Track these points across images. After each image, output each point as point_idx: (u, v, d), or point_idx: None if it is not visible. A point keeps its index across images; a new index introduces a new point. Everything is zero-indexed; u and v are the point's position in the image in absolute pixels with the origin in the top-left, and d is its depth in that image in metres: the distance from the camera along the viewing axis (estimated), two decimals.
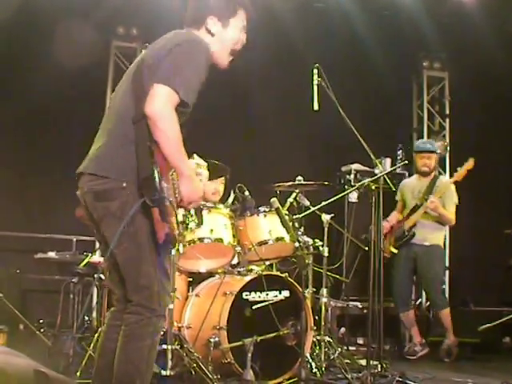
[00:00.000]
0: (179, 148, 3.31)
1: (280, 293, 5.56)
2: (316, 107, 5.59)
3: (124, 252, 3.39)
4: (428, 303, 8.84)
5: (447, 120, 9.80)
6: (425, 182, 7.47)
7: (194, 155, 4.29)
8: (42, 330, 6.76)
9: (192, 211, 5.26)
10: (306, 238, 5.84)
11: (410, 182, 7.71)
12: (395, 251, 7.42)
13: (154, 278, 3.40)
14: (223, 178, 6.21)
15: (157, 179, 3.19)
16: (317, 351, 5.91)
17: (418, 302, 9.04)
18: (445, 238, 7.95)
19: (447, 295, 8.62)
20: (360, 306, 7.74)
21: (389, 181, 6.04)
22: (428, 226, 7.35)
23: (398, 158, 8.66)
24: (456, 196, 7.33)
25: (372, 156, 5.78)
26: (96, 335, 5.43)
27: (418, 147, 7.67)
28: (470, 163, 7.08)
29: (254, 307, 5.40)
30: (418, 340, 7.40)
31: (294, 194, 6.15)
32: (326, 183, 6.31)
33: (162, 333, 3.71)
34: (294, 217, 5.92)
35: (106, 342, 3.57)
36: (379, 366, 5.64)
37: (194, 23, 3.69)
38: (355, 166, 8.33)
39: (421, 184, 7.49)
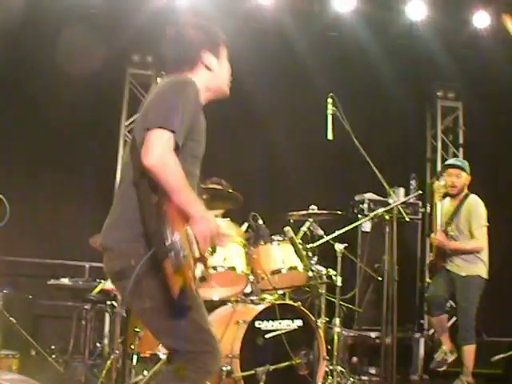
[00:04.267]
0: (187, 192, 3.09)
1: (293, 322, 5.51)
2: (330, 136, 5.61)
3: (152, 322, 3.34)
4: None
5: (461, 150, 9.77)
6: (453, 204, 6.93)
7: None
8: (53, 357, 6.75)
9: None
10: (319, 268, 5.83)
11: (445, 203, 7.04)
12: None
13: (194, 329, 3.33)
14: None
15: (166, 231, 2.98)
16: (329, 381, 5.87)
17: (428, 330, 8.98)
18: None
19: None
20: (373, 336, 7.69)
21: (402, 210, 6.03)
22: (464, 254, 6.81)
23: (412, 187, 8.65)
24: (484, 217, 6.75)
25: (386, 185, 5.80)
26: (108, 362, 5.41)
27: (447, 162, 7.14)
28: None
29: (266, 336, 5.36)
30: (447, 346, 6.96)
31: (307, 223, 6.15)
32: (340, 212, 6.31)
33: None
34: (308, 246, 5.91)
35: None
36: None
37: (185, 64, 3.49)
38: (369, 196, 8.30)
39: (449, 206, 6.96)
